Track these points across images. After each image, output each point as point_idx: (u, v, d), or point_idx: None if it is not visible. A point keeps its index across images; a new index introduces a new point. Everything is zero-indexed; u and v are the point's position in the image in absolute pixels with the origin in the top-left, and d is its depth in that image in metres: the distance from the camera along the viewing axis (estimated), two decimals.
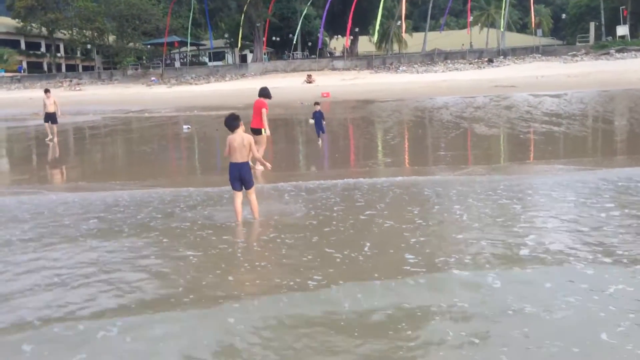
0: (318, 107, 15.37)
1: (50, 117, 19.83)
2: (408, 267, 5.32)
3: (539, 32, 66.22)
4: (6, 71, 71.02)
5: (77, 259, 5.93)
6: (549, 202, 7.84)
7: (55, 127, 19.79)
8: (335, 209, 7.85)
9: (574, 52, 51.64)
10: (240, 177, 7.15)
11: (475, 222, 6.84)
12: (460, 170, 10.62)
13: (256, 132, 11.28)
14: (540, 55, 52.74)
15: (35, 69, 79.64)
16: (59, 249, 6.32)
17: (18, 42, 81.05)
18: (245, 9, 62.49)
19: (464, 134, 17.35)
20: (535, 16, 65.24)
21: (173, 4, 68.34)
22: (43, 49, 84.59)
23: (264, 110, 11.35)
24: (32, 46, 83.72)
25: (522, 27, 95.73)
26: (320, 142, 15.47)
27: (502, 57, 54.09)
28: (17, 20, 76.80)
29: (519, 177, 9.70)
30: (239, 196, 7.27)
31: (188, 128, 22.89)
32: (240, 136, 7.15)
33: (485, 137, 16.64)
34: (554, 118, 20.18)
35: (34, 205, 8.73)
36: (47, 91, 20.58)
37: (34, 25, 76.67)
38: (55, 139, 19.34)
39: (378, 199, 8.35)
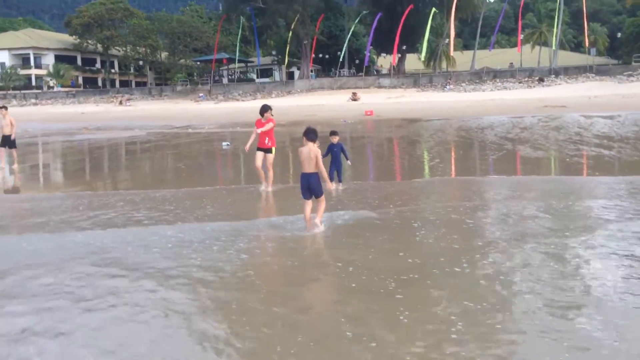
0: (336, 139, 10.55)
1: (7, 141, 15.76)
2: None
3: (593, 51, 64.29)
4: (62, 86, 73.59)
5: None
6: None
7: (14, 151, 16.04)
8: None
9: (630, 72, 49.85)
10: (309, 186, 7.49)
11: None
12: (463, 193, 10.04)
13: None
14: (593, 75, 51.16)
15: (90, 85, 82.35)
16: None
17: (75, 58, 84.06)
18: (293, 26, 63.08)
19: (505, 157, 16.66)
20: (590, 35, 63.51)
21: (222, 21, 69.58)
22: (98, 65, 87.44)
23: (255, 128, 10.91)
24: (88, 62, 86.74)
25: (577, 46, 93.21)
26: (334, 186, 9.49)
27: (553, 76, 52.69)
28: (74, 37, 79.77)
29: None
30: (308, 204, 7.59)
31: (227, 145, 22.84)
32: (308, 148, 7.46)
33: (527, 160, 15.90)
34: (605, 141, 19.23)
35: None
36: (3, 108, 15.87)
37: (90, 42, 79.52)
38: (16, 165, 15.81)
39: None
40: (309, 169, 7.47)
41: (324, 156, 10.55)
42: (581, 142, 19.34)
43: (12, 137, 15.74)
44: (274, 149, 10.90)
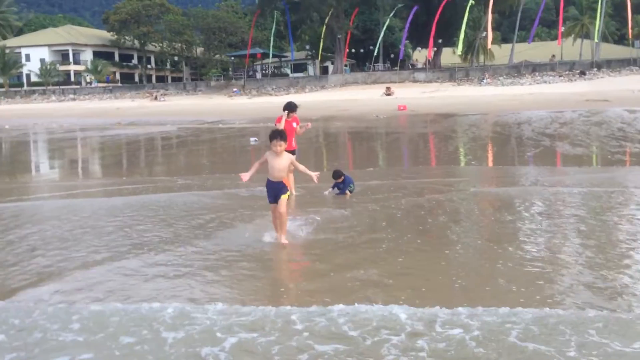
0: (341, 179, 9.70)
1: None
2: None
3: (638, 43, 61.84)
4: (99, 82, 74.58)
5: None
6: None
7: None
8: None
9: None
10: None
11: None
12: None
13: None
14: (637, 68, 49.19)
15: (127, 80, 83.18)
16: None
17: (112, 54, 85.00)
18: (327, 21, 62.45)
19: (541, 154, 15.81)
20: (634, 27, 61.17)
21: (257, 16, 69.36)
22: (135, 61, 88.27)
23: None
24: (125, 58, 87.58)
25: (620, 39, 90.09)
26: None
27: (595, 69, 50.86)
28: (111, 33, 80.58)
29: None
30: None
31: (255, 141, 22.45)
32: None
33: (565, 157, 15.05)
34: None
35: None
36: None
37: (127, 38, 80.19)
38: None
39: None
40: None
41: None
42: (625, 138, 18.36)
43: None
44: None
